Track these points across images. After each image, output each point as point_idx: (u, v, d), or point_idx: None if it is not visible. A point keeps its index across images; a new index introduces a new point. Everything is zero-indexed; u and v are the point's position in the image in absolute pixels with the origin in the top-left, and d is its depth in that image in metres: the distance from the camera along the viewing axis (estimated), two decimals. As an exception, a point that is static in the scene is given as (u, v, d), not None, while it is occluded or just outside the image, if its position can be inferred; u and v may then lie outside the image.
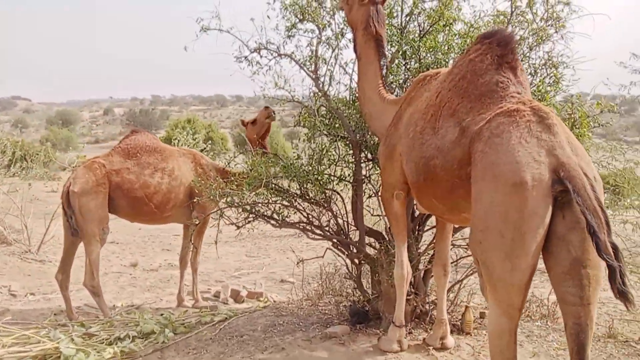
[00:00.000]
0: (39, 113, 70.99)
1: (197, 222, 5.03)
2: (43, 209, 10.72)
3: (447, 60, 4.36)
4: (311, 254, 7.26)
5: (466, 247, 4.59)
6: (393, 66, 4.48)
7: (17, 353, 3.88)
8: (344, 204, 4.51)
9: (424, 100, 3.28)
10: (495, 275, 2.40)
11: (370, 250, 4.40)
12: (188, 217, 5.69)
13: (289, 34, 4.67)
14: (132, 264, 8.57)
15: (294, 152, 4.44)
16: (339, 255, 4.62)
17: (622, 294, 2.20)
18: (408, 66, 4.56)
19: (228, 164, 5.08)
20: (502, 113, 2.64)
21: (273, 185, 4.18)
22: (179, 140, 14.56)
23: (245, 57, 4.71)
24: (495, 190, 2.44)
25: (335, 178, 4.39)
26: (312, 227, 4.37)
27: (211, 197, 4.31)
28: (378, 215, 4.68)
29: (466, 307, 4.16)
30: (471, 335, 4.06)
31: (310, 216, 4.41)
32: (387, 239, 4.25)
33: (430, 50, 4.34)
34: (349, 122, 4.38)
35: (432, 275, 4.16)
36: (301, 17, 4.62)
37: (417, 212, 4.30)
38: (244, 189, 4.06)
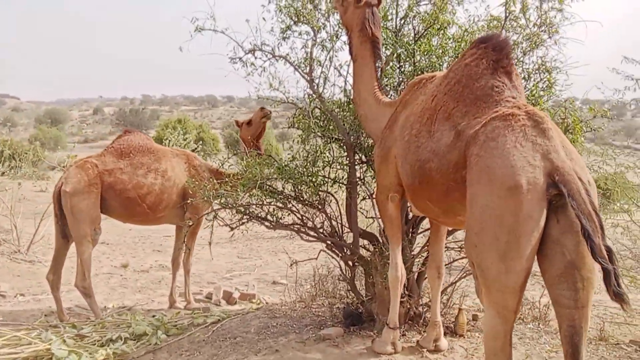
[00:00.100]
0: (27, 112, 70.28)
1: (190, 224, 5.01)
2: (32, 209, 10.62)
3: (441, 63, 4.38)
4: (303, 256, 7.27)
5: (459, 249, 4.61)
6: (387, 69, 4.50)
7: (8, 355, 3.84)
8: (338, 205, 4.52)
9: (419, 103, 3.30)
10: (490, 277, 2.42)
11: (364, 252, 4.41)
12: (181, 218, 5.67)
13: (284, 35, 4.67)
14: (123, 265, 8.53)
15: (288, 154, 4.43)
16: (332, 257, 4.63)
17: (617, 296, 2.23)
18: (402, 69, 4.58)
19: (222, 165, 5.07)
20: (497, 117, 2.66)
21: (267, 187, 4.17)
22: (169, 141, 14.52)
23: (240, 59, 4.70)
24: (490, 194, 2.46)
25: (330, 180, 4.40)
26: (307, 229, 4.37)
27: (205, 198, 4.30)
28: (372, 217, 4.68)
29: (459, 309, 4.18)
30: (464, 337, 4.08)
31: (304, 218, 4.41)
32: (381, 241, 4.26)
33: (425, 53, 4.36)
34: (343, 124, 4.39)
35: (426, 278, 4.18)
36: (296, 19, 4.62)
37: (410, 215, 4.32)
38: (239, 190, 4.05)
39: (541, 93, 3.93)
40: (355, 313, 4.33)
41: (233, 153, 5.18)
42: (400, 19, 4.58)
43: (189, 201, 4.83)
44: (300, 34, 4.67)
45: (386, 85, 4.49)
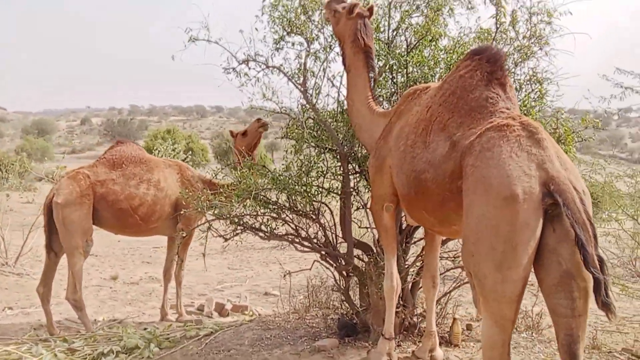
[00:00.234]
0: (14, 122, 69.60)
1: (184, 235, 4.98)
2: (19, 221, 10.50)
3: (433, 74, 4.43)
4: (294, 266, 7.25)
5: (452, 259, 4.63)
6: (380, 80, 4.53)
7: (-3, 369, 3.78)
8: (332, 216, 4.52)
9: (414, 114, 3.32)
10: (488, 287, 2.43)
11: (358, 263, 4.41)
12: (173, 230, 5.63)
13: (277, 46, 4.70)
14: (112, 277, 8.44)
15: (282, 164, 4.43)
16: (326, 268, 4.62)
17: (605, 305, 2.27)
18: (395, 80, 4.62)
19: (215, 175, 5.05)
20: (492, 128, 2.69)
21: (262, 197, 4.17)
22: (159, 151, 14.45)
23: (234, 69, 4.72)
24: (486, 203, 2.48)
25: (324, 190, 4.40)
26: (301, 239, 4.36)
27: (199, 209, 4.28)
28: (366, 227, 4.69)
29: (454, 319, 4.19)
30: (459, 347, 4.09)
31: (298, 228, 4.40)
32: (376, 251, 4.26)
33: (417, 64, 4.41)
34: (337, 135, 4.40)
35: (420, 288, 4.19)
36: (289, 30, 4.65)
37: (404, 225, 4.33)
38: (233, 200, 4.04)
39: (533, 103, 3.99)
40: (349, 324, 4.33)
41: (226, 164, 5.15)
42: (393, 31, 4.63)
43: (182, 212, 4.80)
44: (293, 44, 4.70)
45: (379, 96, 4.52)
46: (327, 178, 4.47)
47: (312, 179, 4.36)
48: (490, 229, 2.43)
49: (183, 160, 12.66)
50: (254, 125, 5.30)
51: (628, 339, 4.62)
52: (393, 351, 3.74)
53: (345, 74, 4.21)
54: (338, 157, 4.45)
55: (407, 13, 4.53)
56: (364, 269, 4.23)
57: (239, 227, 4.28)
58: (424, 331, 4.05)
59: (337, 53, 4.52)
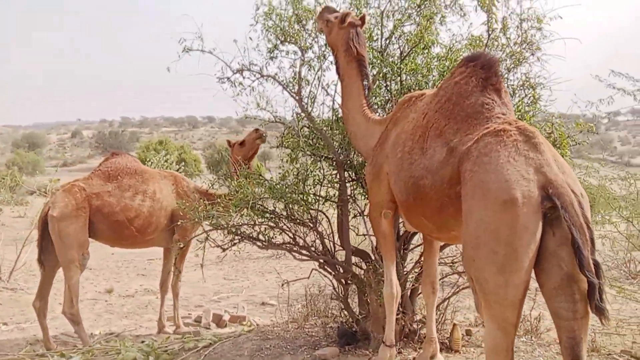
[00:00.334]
0: (4, 136, 69.13)
1: (182, 246, 4.95)
2: (11, 235, 10.41)
3: (427, 82, 4.46)
4: (291, 275, 7.23)
5: (450, 264, 4.64)
6: (374, 88, 4.55)
7: (-6, 386, 3.72)
8: (330, 224, 4.52)
9: (410, 121, 3.34)
10: (490, 291, 2.44)
11: (357, 270, 4.41)
12: (169, 241, 5.61)
13: (271, 55, 4.72)
14: (107, 290, 8.38)
15: (279, 173, 4.44)
16: (325, 276, 4.61)
17: (599, 310, 2.29)
18: (389, 88, 4.65)
19: (212, 185, 5.04)
20: (489, 133, 2.71)
21: (259, 207, 4.16)
22: (152, 163, 14.40)
23: (228, 78, 4.73)
24: (486, 208, 2.49)
25: (321, 198, 4.41)
26: (299, 248, 4.35)
27: (196, 219, 4.27)
28: (363, 234, 4.69)
29: (454, 324, 4.20)
30: (460, 353, 4.08)
31: (296, 237, 4.40)
32: (374, 258, 4.26)
33: (411, 72, 4.44)
34: (333, 143, 4.42)
35: (420, 294, 4.19)
36: (283, 39, 4.68)
37: (402, 231, 4.34)
38: (231, 210, 4.03)
39: (526, 108, 4.02)
40: (349, 332, 4.31)
41: (223, 174, 5.14)
42: (386, 39, 4.66)
43: (179, 223, 4.78)
44: (287, 53, 4.72)
45: (374, 103, 4.54)
46: (323, 186, 4.48)
47: (309, 187, 4.37)
48: (490, 233, 2.44)
49: (176, 171, 12.63)
50: (252, 136, 5.30)
51: (626, 340, 4.63)
52: (394, 358, 3.73)
53: (339, 83, 4.24)
54: (334, 165, 4.46)
55: (399, 21, 4.57)
56: (363, 276, 4.22)
57: (236, 237, 4.27)
58: (424, 337, 4.05)
59: (331, 62, 4.56)
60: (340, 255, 4.53)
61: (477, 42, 4.41)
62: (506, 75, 4.17)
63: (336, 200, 4.43)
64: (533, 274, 2.45)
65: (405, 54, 4.47)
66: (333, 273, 4.43)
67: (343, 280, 4.42)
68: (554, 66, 4.03)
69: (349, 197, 4.46)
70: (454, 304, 4.82)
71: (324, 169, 4.52)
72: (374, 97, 4.56)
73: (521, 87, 4.14)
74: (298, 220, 4.35)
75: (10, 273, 8.18)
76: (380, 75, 4.54)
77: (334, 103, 4.63)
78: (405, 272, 4.25)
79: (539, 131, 3.87)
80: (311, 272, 4.64)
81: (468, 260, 2.54)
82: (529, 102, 4.06)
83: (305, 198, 4.22)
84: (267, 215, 4.28)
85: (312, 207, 4.33)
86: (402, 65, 4.40)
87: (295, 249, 4.35)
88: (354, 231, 4.66)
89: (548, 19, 4.13)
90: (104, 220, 5.16)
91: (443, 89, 3.18)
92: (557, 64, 4.07)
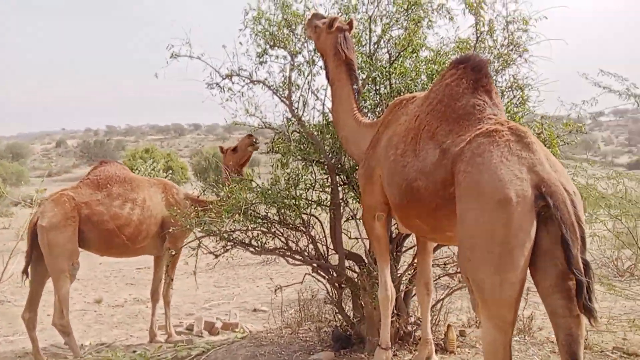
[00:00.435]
0: (-14, 147, 68.06)
1: (173, 253, 4.91)
2: (-4, 247, 10.23)
3: (416, 85, 4.48)
4: (282, 281, 7.19)
5: (443, 266, 4.66)
6: (364, 91, 4.57)
7: (-16, 401, 3.65)
8: (323, 228, 4.52)
9: (402, 123, 3.36)
10: (486, 291, 2.45)
11: (350, 274, 4.40)
12: (160, 249, 5.56)
13: (261, 60, 4.72)
14: (96, 301, 8.29)
15: (271, 178, 4.42)
16: (318, 281, 4.60)
17: (587, 309, 2.30)
18: (378, 91, 4.67)
19: (203, 192, 5.00)
20: (481, 134, 2.73)
21: (251, 212, 4.15)
22: (139, 171, 14.30)
23: (217, 84, 4.72)
24: (480, 208, 2.50)
25: (313, 202, 4.40)
26: (292, 253, 4.34)
27: (188, 227, 4.24)
28: (356, 238, 4.69)
29: (448, 325, 4.21)
30: (455, 353, 4.09)
31: (289, 241, 4.38)
32: (367, 261, 4.26)
33: (400, 75, 4.46)
34: (324, 147, 4.42)
35: (414, 296, 4.19)
36: (272, 44, 4.68)
37: (394, 234, 4.35)
38: (223, 216, 4.01)
39: (515, 110, 4.06)
40: (344, 336, 4.30)
41: (214, 180, 5.11)
42: (374, 44, 4.68)
43: (170, 230, 4.73)
44: (277, 57, 4.73)
45: (364, 107, 4.56)
46: (315, 190, 4.47)
47: (301, 191, 4.37)
48: (485, 233, 2.45)
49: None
50: (245, 142, 5.28)
51: (617, 337, 4.68)
52: (390, 361, 3.73)
53: (329, 88, 4.25)
54: (326, 169, 4.46)
55: (387, 25, 4.60)
56: (357, 280, 4.22)
57: (229, 243, 4.25)
58: (419, 339, 4.06)
59: (321, 67, 4.57)
60: (334, 259, 4.52)
61: (465, 44, 4.45)
62: (494, 77, 4.21)
63: (328, 204, 4.43)
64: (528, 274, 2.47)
65: (394, 58, 4.49)
66: (326, 277, 4.43)
67: (337, 284, 4.41)
68: (541, 67, 4.08)
69: (341, 201, 4.46)
70: (447, 306, 4.84)
71: (315, 174, 4.52)
72: (363, 101, 4.58)
73: (509, 89, 4.18)
74: (290, 225, 4.34)
75: (-3, 285, 8.05)
76: (370, 79, 4.56)
77: (324, 107, 4.64)
78: (399, 275, 4.25)
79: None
80: (304, 276, 4.63)
81: (464, 261, 2.56)
82: (517, 103, 4.10)
83: (297, 203, 4.21)
84: (260, 220, 4.26)
85: (304, 212, 4.33)
86: (391, 69, 4.42)
87: (288, 253, 4.33)
88: (346, 235, 4.65)
89: (534, 21, 4.18)
90: (93, 229, 5.10)
91: (434, 92, 3.20)
92: (545, 64, 4.12)
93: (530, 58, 4.14)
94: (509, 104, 4.07)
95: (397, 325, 4.16)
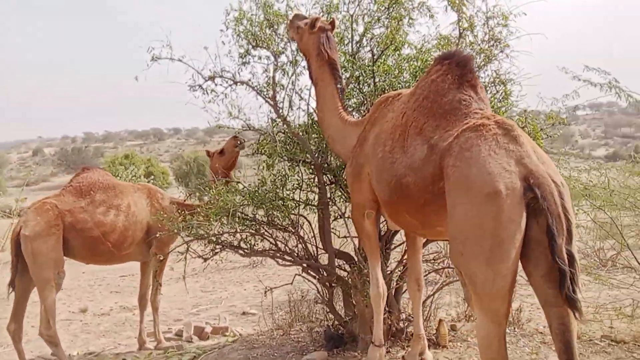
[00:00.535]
0: (-40, 158, 66.54)
1: (162, 258, 4.86)
2: (-24, 259, 10.00)
3: (399, 82, 4.50)
4: (269, 284, 7.16)
5: (432, 261, 4.69)
6: (348, 90, 4.58)
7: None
8: (312, 227, 4.51)
9: (389, 120, 3.37)
10: (479, 284, 2.47)
11: (341, 273, 4.40)
12: (146, 255, 5.49)
13: (243, 60, 4.70)
14: (82, 310, 8.16)
15: (259, 179, 4.40)
16: (308, 281, 4.59)
17: (570, 301, 2.32)
18: (362, 90, 4.68)
19: (189, 196, 4.95)
20: (468, 128, 2.75)
21: (240, 214, 4.12)
22: (120, 178, 14.14)
23: (200, 86, 4.68)
24: (470, 202, 2.52)
25: (301, 203, 4.39)
26: (282, 254, 4.32)
27: (175, 231, 4.19)
28: (345, 236, 4.69)
29: (440, 320, 4.23)
30: (447, 348, 4.12)
31: (278, 242, 4.37)
32: (357, 259, 4.27)
33: (384, 73, 4.48)
34: (310, 146, 4.41)
35: (404, 292, 4.21)
36: (254, 44, 4.66)
37: (383, 231, 4.36)
38: (211, 219, 3.97)
39: (499, 104, 4.10)
40: (336, 335, 4.31)
41: (201, 183, 5.06)
42: (356, 43, 4.69)
43: (157, 235, 4.69)
44: (260, 58, 4.71)
45: (349, 106, 4.56)
46: (303, 190, 4.46)
47: (288, 192, 4.35)
48: (476, 226, 2.47)
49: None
50: (231, 143, 5.24)
51: (604, 326, 4.76)
52: (384, 358, 3.74)
53: (313, 88, 4.25)
54: (312, 169, 4.46)
55: (369, 24, 4.61)
56: (348, 278, 4.22)
57: (217, 246, 4.21)
58: (411, 335, 4.07)
59: (304, 67, 4.56)
60: (323, 258, 4.52)
61: (446, 41, 4.49)
62: (477, 73, 4.24)
63: (316, 204, 4.42)
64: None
65: (377, 56, 4.51)
66: (317, 277, 4.42)
67: (327, 284, 4.41)
68: (523, 62, 4.13)
69: (328, 200, 4.45)
70: (435, 301, 4.87)
71: (302, 174, 4.51)
72: (348, 100, 4.59)
73: (492, 84, 4.23)
74: (279, 226, 4.32)
75: (-22, 298, 7.85)
76: (353, 78, 4.57)
77: (308, 107, 4.64)
78: (389, 272, 4.27)
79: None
80: (294, 277, 4.61)
81: (456, 255, 2.57)
82: (500, 98, 4.15)
83: (285, 203, 4.20)
84: (248, 222, 4.24)
85: (292, 212, 4.31)
86: (374, 68, 4.43)
87: (278, 255, 4.32)
88: (335, 234, 4.65)
89: (513, 16, 4.23)
90: (78, 237, 5.01)
91: (420, 88, 3.22)
92: (525, 59, 4.18)
93: (512, 53, 4.18)
94: (492, 99, 4.11)
95: (389, 322, 4.17)
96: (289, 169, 4.51)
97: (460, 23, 4.20)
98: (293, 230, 4.34)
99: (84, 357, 5.47)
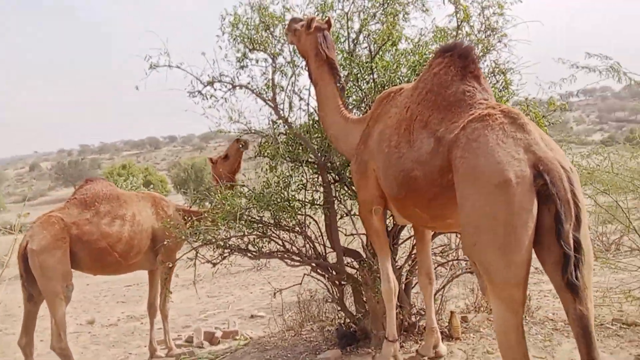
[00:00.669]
0: (-43, 176, 66.31)
1: (170, 265, 4.85)
2: (-20, 276, 9.96)
3: (398, 78, 4.50)
4: (276, 285, 7.16)
5: (440, 254, 4.69)
6: (348, 88, 4.58)
7: None
8: (319, 227, 4.51)
9: (393, 115, 3.37)
10: (494, 273, 2.47)
11: (349, 270, 4.40)
12: (153, 263, 5.47)
13: (241, 64, 4.70)
14: (89, 322, 8.15)
15: (263, 182, 4.40)
16: (318, 280, 4.59)
17: (570, 285, 2.32)
18: (361, 87, 4.68)
19: (194, 202, 4.95)
20: (474, 119, 2.75)
21: (247, 217, 4.12)
22: (120, 188, 14.13)
23: (199, 92, 4.68)
24: (481, 192, 2.52)
25: (307, 202, 4.39)
26: (290, 254, 4.32)
27: (183, 237, 4.18)
28: (352, 234, 4.69)
29: (452, 312, 4.23)
30: (460, 340, 4.12)
31: (285, 243, 4.36)
32: (366, 256, 4.27)
33: (383, 69, 4.48)
34: (313, 146, 4.41)
35: (414, 286, 4.21)
36: (251, 47, 4.66)
37: (390, 226, 4.36)
38: (219, 223, 3.97)
39: (499, 94, 4.11)
40: (349, 333, 4.30)
41: (205, 189, 5.05)
42: (353, 40, 4.69)
43: (165, 242, 4.67)
44: (257, 61, 4.71)
45: (348, 104, 4.56)
46: (308, 190, 4.46)
47: (293, 192, 4.35)
48: (488, 216, 2.47)
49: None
50: (234, 146, 5.23)
51: (613, 310, 4.77)
52: (398, 353, 3.74)
53: (313, 88, 4.25)
54: (316, 168, 4.46)
55: (365, 21, 4.61)
56: (358, 275, 4.22)
57: (226, 250, 4.21)
58: (423, 329, 4.08)
59: (301, 67, 4.57)
60: (331, 257, 4.51)
61: (443, 33, 4.49)
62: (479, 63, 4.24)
63: (322, 203, 4.42)
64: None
65: (375, 53, 4.51)
66: (326, 276, 4.42)
67: (337, 282, 4.41)
68: (521, 50, 4.14)
69: (334, 199, 4.45)
70: (444, 294, 4.87)
71: (306, 174, 4.51)
72: (347, 98, 4.59)
73: (492, 74, 4.23)
74: (286, 227, 4.32)
75: (-16, 315, 7.84)
76: (352, 75, 4.57)
77: (309, 107, 4.64)
78: (398, 267, 4.27)
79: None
80: (303, 277, 4.61)
81: (469, 246, 2.57)
82: (501, 87, 4.15)
83: (291, 204, 4.20)
84: (255, 225, 4.23)
85: (299, 213, 4.31)
86: (373, 64, 4.43)
87: (286, 255, 4.31)
88: (342, 232, 4.65)
89: (509, 4, 4.23)
90: (85, 249, 4.99)
91: (423, 81, 3.22)
92: (523, 47, 4.18)
93: (510, 42, 4.19)
94: (493, 88, 4.11)
95: (401, 317, 4.17)
96: (292, 169, 4.51)
97: (458, 15, 4.20)
98: (300, 231, 4.34)
99: (96, 369, 5.45)
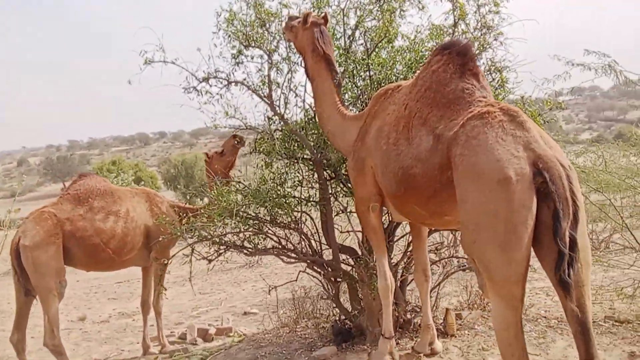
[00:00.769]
0: (-57, 172, 65.56)
1: (165, 262, 4.82)
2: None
3: (394, 74, 4.50)
4: (268, 282, 7.16)
5: (435, 252, 4.71)
6: (343, 85, 4.57)
7: None
8: (315, 224, 4.50)
9: (391, 113, 3.37)
10: (494, 270, 2.48)
11: (345, 267, 4.40)
12: (147, 259, 5.44)
13: (237, 60, 4.67)
14: (80, 318, 8.09)
15: (259, 178, 4.38)
16: (313, 277, 4.59)
17: (562, 283, 2.33)
18: (357, 84, 4.67)
19: (190, 198, 4.92)
20: (474, 117, 2.76)
21: (242, 214, 4.10)
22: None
23: (195, 88, 4.65)
24: (481, 190, 2.53)
25: (303, 199, 4.38)
26: (286, 251, 4.31)
27: (178, 234, 4.16)
28: (348, 231, 4.69)
29: (447, 309, 4.25)
30: (455, 337, 4.14)
31: (281, 240, 4.36)
32: (362, 253, 4.27)
33: (379, 66, 4.47)
34: (309, 142, 4.40)
35: (409, 283, 4.22)
36: (246, 44, 4.63)
37: (386, 223, 4.36)
38: (215, 220, 3.95)
39: (495, 92, 4.12)
40: (344, 329, 4.31)
41: (200, 185, 5.03)
42: (349, 37, 4.68)
43: (160, 239, 4.64)
44: (252, 58, 4.68)
45: (345, 100, 4.55)
46: (304, 187, 4.46)
47: (289, 189, 4.34)
48: (488, 213, 2.48)
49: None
50: (230, 142, 5.21)
51: (604, 308, 4.81)
52: (394, 349, 3.75)
53: (309, 84, 4.23)
54: (312, 165, 4.45)
55: (362, 17, 4.60)
56: (354, 272, 4.22)
57: (221, 247, 4.19)
58: (419, 326, 4.09)
59: (298, 64, 4.55)
60: (327, 254, 4.51)
61: (439, 31, 4.49)
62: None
63: (318, 200, 4.41)
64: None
65: (371, 49, 4.50)
66: (322, 272, 4.42)
67: (333, 279, 4.41)
68: (517, 48, 4.15)
69: (330, 195, 4.45)
70: (439, 292, 4.89)
71: (302, 171, 4.50)
72: (343, 94, 4.58)
73: (487, 72, 4.24)
74: (282, 224, 4.31)
75: (-26, 312, 7.75)
76: (348, 72, 4.56)
77: (304, 104, 4.63)
78: (394, 264, 4.28)
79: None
80: (299, 274, 4.60)
81: (469, 243, 2.58)
82: (497, 85, 4.17)
83: (287, 201, 4.19)
84: (251, 221, 4.22)
85: (294, 209, 4.30)
86: (369, 61, 4.43)
87: (283, 252, 4.30)
88: (338, 229, 4.65)
89: (505, 2, 4.24)
90: (78, 245, 4.94)
91: (421, 79, 3.22)
92: (519, 45, 4.19)
93: (505, 40, 4.20)
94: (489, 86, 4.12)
95: (397, 314, 4.18)
96: (287, 166, 4.50)
97: (455, 12, 4.20)
98: (296, 227, 4.33)
99: (89, 366, 5.41)
